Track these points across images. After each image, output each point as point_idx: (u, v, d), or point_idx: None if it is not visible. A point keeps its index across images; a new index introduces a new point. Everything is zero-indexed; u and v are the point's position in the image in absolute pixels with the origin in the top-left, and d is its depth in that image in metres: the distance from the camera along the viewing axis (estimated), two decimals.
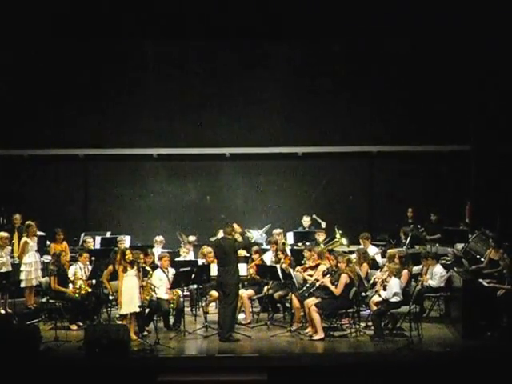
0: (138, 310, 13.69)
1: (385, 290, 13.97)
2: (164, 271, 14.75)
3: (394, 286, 13.81)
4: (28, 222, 16.01)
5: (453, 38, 18.97)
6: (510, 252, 14.56)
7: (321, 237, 17.05)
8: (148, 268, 14.61)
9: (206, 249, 15.77)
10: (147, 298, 13.97)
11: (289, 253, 15.69)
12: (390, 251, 14.94)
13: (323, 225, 18.10)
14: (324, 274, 14.18)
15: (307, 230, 18.15)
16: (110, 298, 14.77)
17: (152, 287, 14.09)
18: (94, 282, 14.91)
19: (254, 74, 20.48)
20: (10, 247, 15.55)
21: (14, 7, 18.23)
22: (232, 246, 13.97)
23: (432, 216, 19.03)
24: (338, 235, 16.75)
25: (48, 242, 16.82)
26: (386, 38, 19.57)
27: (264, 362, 12.79)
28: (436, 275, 14.94)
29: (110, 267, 14.43)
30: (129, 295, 13.66)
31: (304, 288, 14.37)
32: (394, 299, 13.76)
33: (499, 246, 14.99)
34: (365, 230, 16.94)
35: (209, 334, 14.20)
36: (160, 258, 15.10)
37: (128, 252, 14.03)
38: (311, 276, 14.57)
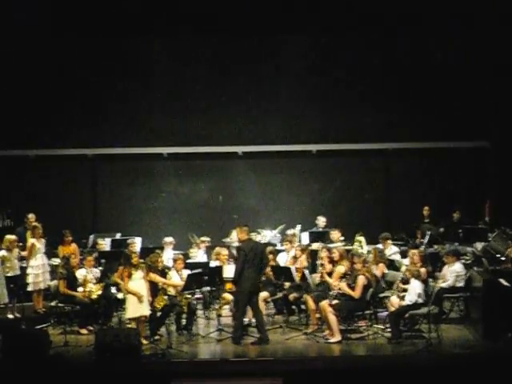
0: (145, 313, 13.43)
1: (404, 291, 13.65)
2: (178, 274, 14.48)
3: (417, 287, 13.50)
4: (34, 224, 15.84)
5: (471, 32, 18.79)
6: None
7: (335, 235, 16.71)
8: (170, 272, 14.38)
9: (220, 250, 15.61)
10: (161, 304, 13.67)
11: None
12: (412, 251, 14.66)
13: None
14: (340, 278, 13.85)
15: (322, 229, 17.83)
16: (120, 297, 14.48)
17: (164, 293, 13.80)
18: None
19: (266, 70, 20.34)
20: (18, 250, 15.32)
21: (21, 5, 18.20)
22: (264, 254, 13.97)
23: (454, 214, 18.73)
24: (359, 242, 16.32)
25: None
26: (402, 33, 19.42)
27: (279, 365, 12.52)
28: (452, 274, 14.56)
29: (121, 269, 14.16)
30: (135, 299, 13.39)
31: (320, 290, 14.09)
32: (420, 300, 13.43)
33: None
34: (382, 230, 16.69)
35: (222, 338, 13.94)
36: (175, 261, 14.86)
37: (134, 255, 13.84)
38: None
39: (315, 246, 16.62)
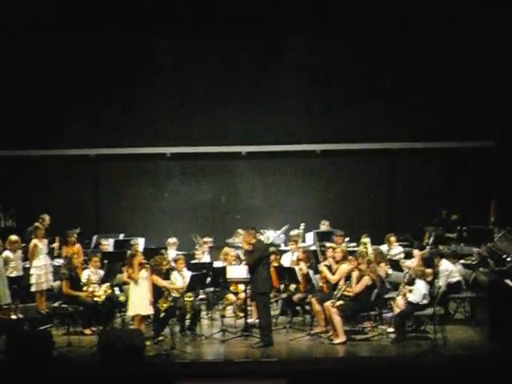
0: (146, 312, 13.45)
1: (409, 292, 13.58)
2: (180, 274, 14.42)
3: (422, 288, 13.43)
4: (36, 224, 15.77)
5: (477, 31, 18.74)
6: None
7: (338, 240, 16.52)
8: (173, 273, 14.36)
9: (228, 250, 15.60)
10: (164, 305, 13.61)
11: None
12: (417, 252, 14.59)
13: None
14: (346, 279, 13.78)
15: (328, 230, 17.73)
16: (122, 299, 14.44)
17: (168, 295, 13.76)
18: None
19: (270, 70, 20.30)
20: (20, 251, 15.28)
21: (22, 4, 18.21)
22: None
23: (452, 216, 18.66)
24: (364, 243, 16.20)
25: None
26: (406, 33, 19.37)
27: (283, 366, 12.47)
28: (443, 273, 14.45)
29: (127, 268, 14.09)
30: (138, 297, 13.43)
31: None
32: (424, 301, 13.35)
33: None
34: (387, 230, 16.63)
35: (226, 339, 13.90)
36: (175, 261, 14.80)
37: (139, 255, 13.86)
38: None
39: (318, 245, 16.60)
